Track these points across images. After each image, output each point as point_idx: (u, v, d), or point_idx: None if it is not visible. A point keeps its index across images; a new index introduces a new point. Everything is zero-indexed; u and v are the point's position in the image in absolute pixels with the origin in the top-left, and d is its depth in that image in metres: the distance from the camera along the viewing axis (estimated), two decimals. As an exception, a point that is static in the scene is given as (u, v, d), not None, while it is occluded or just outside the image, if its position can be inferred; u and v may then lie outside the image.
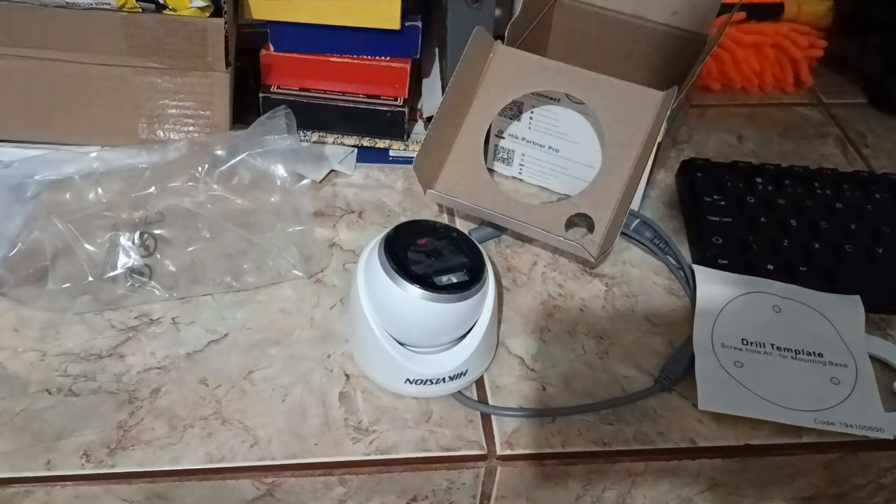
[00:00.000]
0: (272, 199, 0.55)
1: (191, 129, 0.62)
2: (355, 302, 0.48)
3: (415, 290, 0.45)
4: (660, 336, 0.54)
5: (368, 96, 0.65)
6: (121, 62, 0.60)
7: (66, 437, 0.46)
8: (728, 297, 0.55)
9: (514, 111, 0.61)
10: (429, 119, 0.64)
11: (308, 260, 0.55)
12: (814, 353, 0.52)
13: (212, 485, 0.45)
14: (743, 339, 0.52)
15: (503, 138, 0.63)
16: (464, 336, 0.49)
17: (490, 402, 0.49)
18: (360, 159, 0.65)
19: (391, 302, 0.46)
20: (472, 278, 0.46)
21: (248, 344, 0.51)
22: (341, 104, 0.65)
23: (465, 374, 0.48)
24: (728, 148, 0.71)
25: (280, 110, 0.57)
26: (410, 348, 0.48)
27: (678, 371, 0.51)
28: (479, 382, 0.51)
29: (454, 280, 0.46)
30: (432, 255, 0.47)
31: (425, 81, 0.70)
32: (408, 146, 0.66)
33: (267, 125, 0.56)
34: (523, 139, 0.62)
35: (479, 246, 0.49)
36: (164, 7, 0.58)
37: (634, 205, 0.61)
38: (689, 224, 0.62)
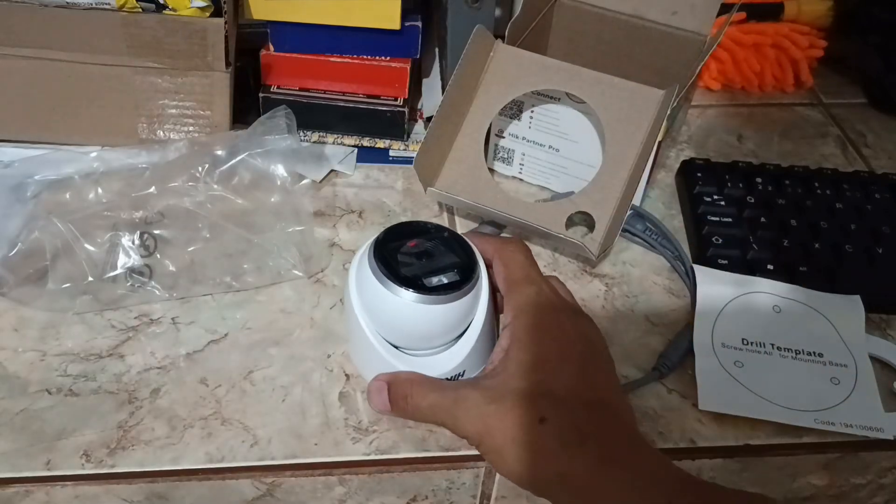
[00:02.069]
0: (272, 199, 0.55)
1: (191, 129, 0.62)
2: (349, 307, 0.48)
3: (405, 293, 0.44)
4: (660, 336, 0.54)
5: (368, 96, 0.65)
6: (121, 62, 0.60)
7: (66, 437, 0.46)
8: (728, 297, 0.55)
9: (515, 110, 0.61)
10: (429, 119, 0.64)
11: (308, 260, 0.55)
12: (814, 353, 0.52)
13: (212, 485, 0.45)
14: (743, 339, 0.52)
15: (503, 137, 0.63)
16: (460, 337, 0.48)
17: (490, 402, 0.49)
18: (360, 159, 0.65)
19: (383, 306, 0.45)
20: (464, 278, 0.45)
21: (248, 344, 0.51)
22: (341, 104, 0.65)
23: (462, 375, 0.48)
24: (728, 148, 0.71)
25: (280, 110, 0.57)
26: (406, 351, 0.48)
27: (675, 358, 0.51)
28: (479, 382, 0.50)
29: (445, 281, 0.45)
30: (423, 256, 0.46)
31: (425, 81, 0.70)
32: (408, 146, 0.66)
33: (267, 125, 0.56)
34: (523, 138, 0.62)
35: (472, 244, 0.48)
36: (164, 7, 0.58)
37: (634, 204, 0.61)
38: (689, 224, 0.61)
